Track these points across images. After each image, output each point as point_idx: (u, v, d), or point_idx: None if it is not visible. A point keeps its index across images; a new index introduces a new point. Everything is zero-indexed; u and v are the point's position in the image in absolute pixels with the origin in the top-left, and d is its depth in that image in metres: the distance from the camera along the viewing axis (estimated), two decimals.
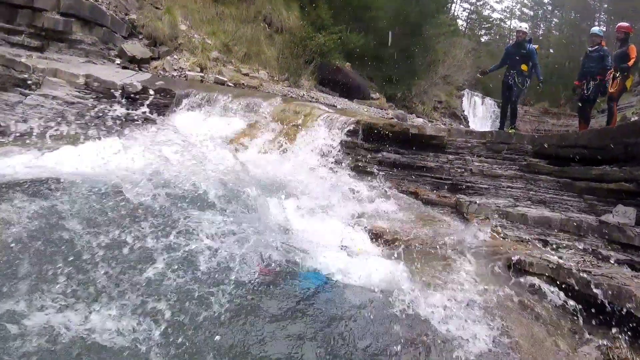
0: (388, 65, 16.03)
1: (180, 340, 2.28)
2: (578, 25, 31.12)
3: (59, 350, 2.07)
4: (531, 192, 5.28)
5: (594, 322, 3.18)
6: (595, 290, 3.18)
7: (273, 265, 3.19)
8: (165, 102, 7.28)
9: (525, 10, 39.88)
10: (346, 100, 12.09)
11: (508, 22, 39.17)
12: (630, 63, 6.61)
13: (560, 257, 4.00)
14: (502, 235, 4.64)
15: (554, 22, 38.13)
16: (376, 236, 4.24)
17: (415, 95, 18.42)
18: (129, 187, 3.78)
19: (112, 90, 7.03)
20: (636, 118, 11.38)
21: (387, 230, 4.29)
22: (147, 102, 6.57)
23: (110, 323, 2.27)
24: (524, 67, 7.37)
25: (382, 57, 15.81)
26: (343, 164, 6.20)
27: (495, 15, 39.67)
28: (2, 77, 6.51)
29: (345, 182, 5.72)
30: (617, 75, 6.81)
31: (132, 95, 7.10)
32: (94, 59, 8.47)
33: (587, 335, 3.12)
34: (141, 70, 9.04)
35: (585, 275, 3.34)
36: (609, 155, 4.62)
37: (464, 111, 22.38)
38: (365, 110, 10.91)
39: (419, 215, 4.93)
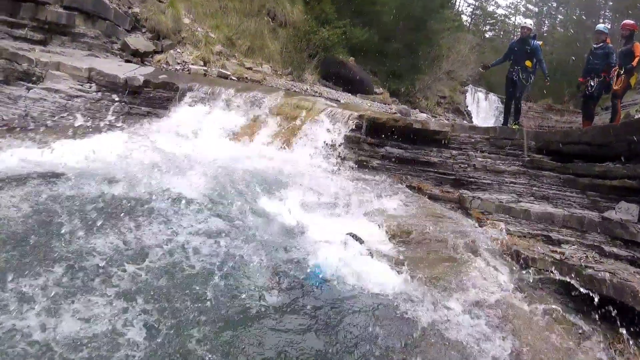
0: (392, 60, 15.94)
1: (179, 340, 2.25)
2: (583, 22, 30.90)
3: (34, 351, 2.03)
4: (534, 188, 5.28)
5: (596, 318, 3.19)
6: (598, 286, 3.19)
7: (274, 262, 3.15)
8: (168, 95, 7.28)
9: (529, 6, 39.66)
10: (349, 94, 12.03)
11: (512, 19, 39.06)
12: (635, 62, 6.58)
13: (563, 253, 4.01)
14: (506, 231, 4.65)
15: (558, 19, 37.92)
16: (384, 232, 4.18)
17: (419, 90, 18.35)
18: (127, 180, 3.79)
19: (115, 84, 7.05)
20: None
21: (395, 227, 4.24)
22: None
23: (106, 323, 2.24)
24: (528, 63, 7.40)
25: (386, 52, 15.73)
26: (346, 158, 6.21)
27: (499, 11, 39.59)
28: (5, 71, 6.52)
29: (348, 177, 5.72)
30: (622, 72, 6.78)
31: (135, 89, 7.12)
32: (97, 53, 8.45)
33: (589, 331, 3.14)
34: (144, 63, 9.02)
35: (588, 271, 3.36)
36: (612, 152, 4.60)
37: (467, 107, 22.24)
38: (369, 104, 10.86)
39: (425, 211, 4.87)
